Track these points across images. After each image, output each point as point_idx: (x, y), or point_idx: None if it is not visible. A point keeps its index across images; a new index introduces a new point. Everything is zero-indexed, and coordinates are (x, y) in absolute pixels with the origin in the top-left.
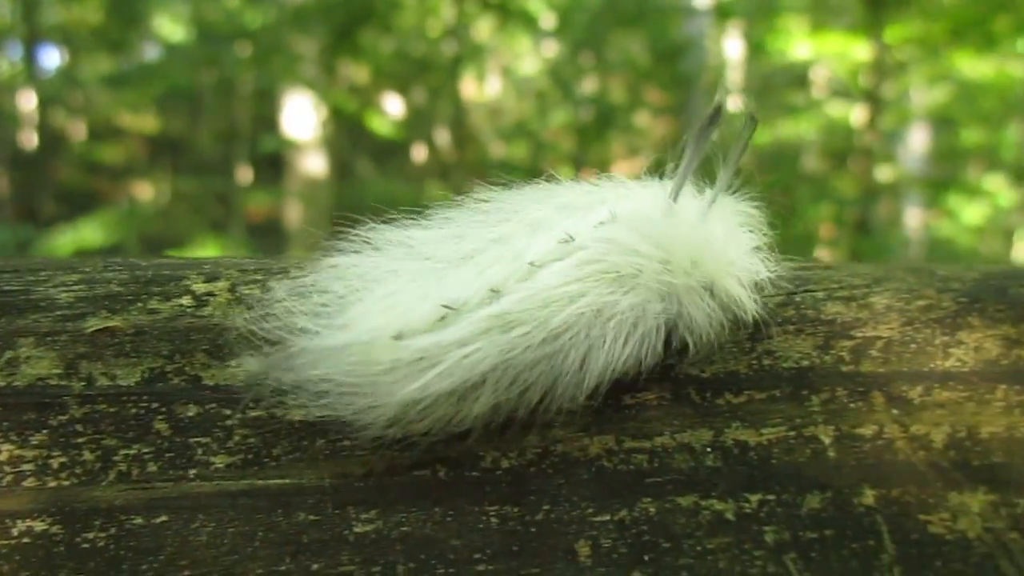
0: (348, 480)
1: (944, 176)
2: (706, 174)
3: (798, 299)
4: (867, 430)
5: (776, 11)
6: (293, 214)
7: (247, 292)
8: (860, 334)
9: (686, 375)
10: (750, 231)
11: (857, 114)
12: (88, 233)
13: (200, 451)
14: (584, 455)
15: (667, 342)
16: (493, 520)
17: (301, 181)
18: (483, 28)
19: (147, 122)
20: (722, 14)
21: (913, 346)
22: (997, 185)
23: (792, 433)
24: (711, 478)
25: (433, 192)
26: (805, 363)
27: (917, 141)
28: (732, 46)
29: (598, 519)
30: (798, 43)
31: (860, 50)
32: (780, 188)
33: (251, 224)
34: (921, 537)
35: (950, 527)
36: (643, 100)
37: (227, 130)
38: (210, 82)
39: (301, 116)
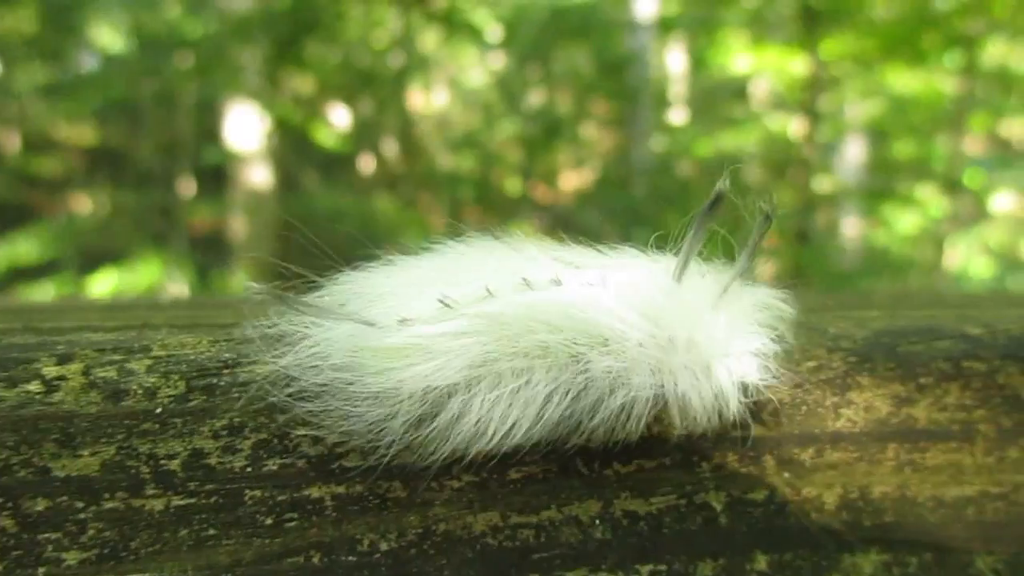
0: (214, 571)
1: (879, 187)
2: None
3: None
4: (759, 495)
5: (716, 26)
6: (238, 227)
7: (102, 375)
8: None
9: (572, 445)
10: (758, 327)
11: (795, 126)
12: (24, 248)
13: (50, 548)
14: (468, 533)
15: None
16: None
17: (246, 193)
18: (429, 39)
19: (85, 133)
20: (664, 28)
21: (804, 408)
22: (928, 195)
23: (683, 501)
24: (600, 550)
25: (382, 204)
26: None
27: (853, 153)
28: (675, 59)
29: None
30: (738, 57)
31: (797, 64)
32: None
33: (194, 237)
34: None
35: None
36: (589, 112)
37: (168, 141)
38: (151, 92)
39: (245, 127)
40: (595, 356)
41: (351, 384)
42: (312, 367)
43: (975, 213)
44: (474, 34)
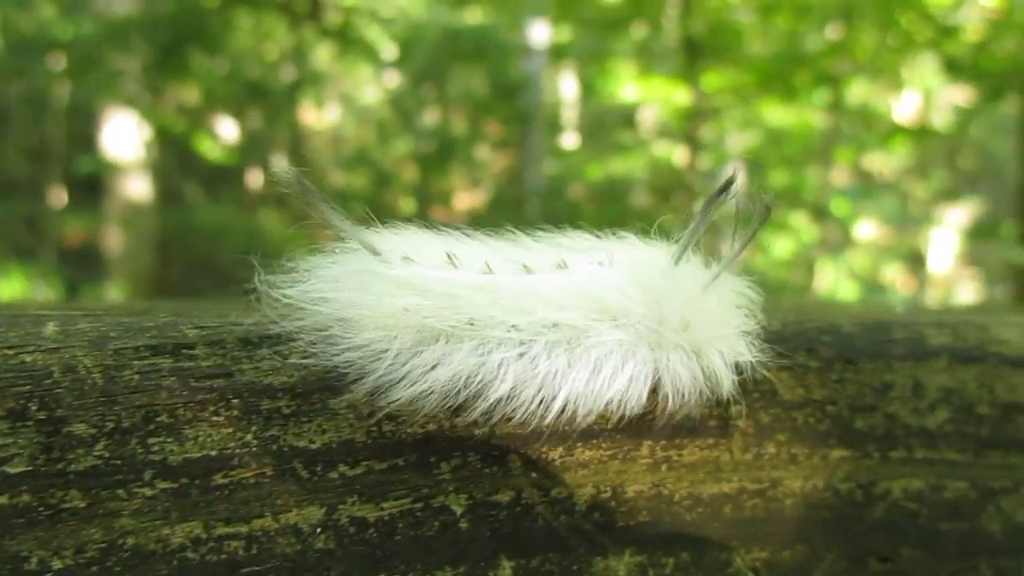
0: None
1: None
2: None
3: None
4: (504, 496)
5: (606, 55)
6: (113, 240)
7: None
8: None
9: (291, 447)
10: (744, 313)
11: (679, 154)
12: None
13: None
14: (163, 547)
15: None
16: None
17: (122, 205)
18: (323, 54)
19: None
20: (556, 55)
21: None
22: (801, 222)
23: (419, 505)
24: (322, 562)
25: (270, 220)
26: (432, 427)
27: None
28: (567, 85)
29: None
30: (626, 86)
31: (680, 95)
32: (612, 222)
33: (66, 250)
34: None
35: None
36: (483, 133)
37: (37, 147)
38: (18, 95)
39: (123, 136)
40: (605, 329)
41: (350, 309)
42: (318, 298)
43: (842, 239)
44: (368, 52)
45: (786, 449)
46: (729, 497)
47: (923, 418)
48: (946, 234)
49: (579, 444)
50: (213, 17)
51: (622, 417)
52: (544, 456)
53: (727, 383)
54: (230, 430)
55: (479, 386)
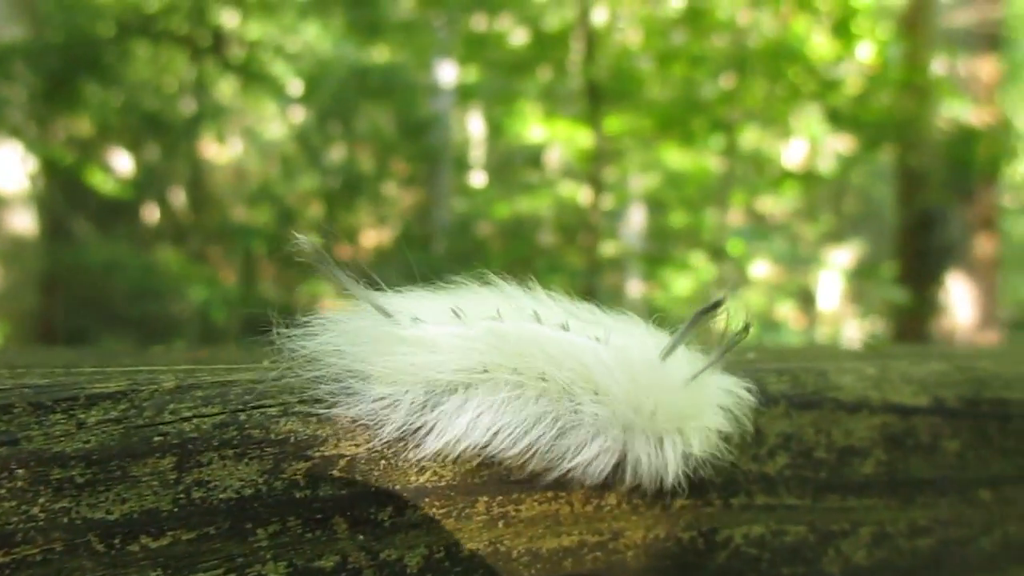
0: None
1: (657, 252)
2: None
3: (243, 417)
4: (328, 562)
5: (512, 96)
6: None
7: None
8: (319, 454)
9: (85, 519)
10: (720, 411)
11: (584, 194)
12: None
13: None
14: None
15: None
16: None
17: (4, 239)
18: (226, 88)
19: None
20: (463, 95)
21: (383, 463)
22: (699, 261)
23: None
24: None
25: (167, 257)
26: (248, 492)
27: (636, 220)
28: (475, 125)
29: None
30: (532, 127)
31: (584, 137)
32: (520, 260)
33: None
34: None
35: None
36: (391, 171)
37: None
38: None
39: (5, 167)
40: (587, 400)
41: (364, 364)
42: (333, 351)
43: (738, 278)
44: (273, 87)
45: (627, 499)
46: (569, 551)
47: (763, 464)
48: (833, 274)
49: (410, 503)
50: (108, 46)
51: (581, 484)
52: (372, 517)
53: (672, 474)
54: (12, 503)
55: (497, 429)
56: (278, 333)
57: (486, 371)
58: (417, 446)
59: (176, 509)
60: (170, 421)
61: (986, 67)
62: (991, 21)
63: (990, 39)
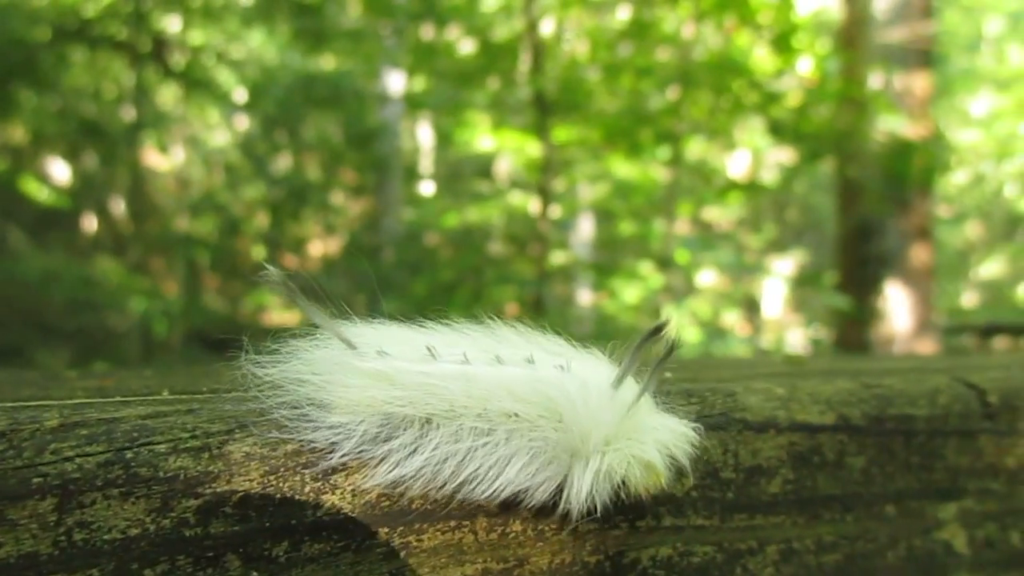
0: None
1: (607, 261)
2: None
3: (129, 455)
4: None
5: (461, 106)
6: None
7: None
8: (210, 490)
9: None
10: (649, 440)
11: (533, 204)
12: None
13: None
14: None
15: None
16: None
17: None
18: (168, 95)
19: None
20: (412, 104)
21: (278, 497)
22: (648, 270)
23: None
24: None
25: (106, 268)
26: (134, 532)
27: (585, 230)
28: (424, 134)
29: None
30: (482, 137)
31: (533, 147)
32: (469, 270)
33: None
34: None
35: None
36: (338, 180)
37: None
38: None
39: None
40: (549, 428)
41: (324, 393)
42: (296, 378)
43: (685, 287)
44: (216, 94)
45: (532, 525)
46: None
47: (671, 485)
48: (776, 282)
49: (307, 538)
50: (43, 51)
51: (520, 504)
52: (267, 553)
53: (583, 494)
54: None
55: (453, 468)
56: (248, 359)
57: (452, 411)
58: (365, 476)
59: (57, 552)
60: (51, 461)
61: (919, 82)
62: (924, 37)
63: (923, 55)
